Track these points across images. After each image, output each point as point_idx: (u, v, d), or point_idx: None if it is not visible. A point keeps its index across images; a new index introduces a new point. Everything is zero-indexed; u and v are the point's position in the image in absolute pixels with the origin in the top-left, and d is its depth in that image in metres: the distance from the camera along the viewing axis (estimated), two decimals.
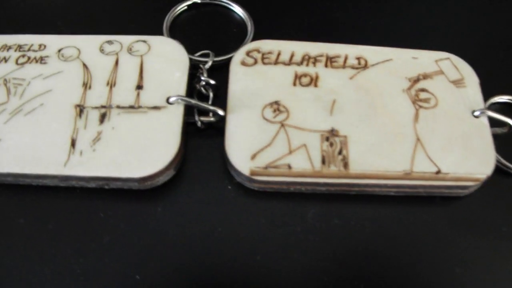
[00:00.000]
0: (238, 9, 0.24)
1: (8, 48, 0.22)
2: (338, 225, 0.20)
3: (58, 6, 0.26)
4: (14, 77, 0.21)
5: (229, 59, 0.22)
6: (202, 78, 0.21)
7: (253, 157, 0.20)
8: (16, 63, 0.22)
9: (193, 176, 0.20)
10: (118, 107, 0.20)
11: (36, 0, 0.26)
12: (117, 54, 0.22)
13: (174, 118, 0.20)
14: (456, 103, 0.22)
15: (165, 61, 0.21)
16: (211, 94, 0.21)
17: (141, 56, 0.22)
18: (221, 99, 0.22)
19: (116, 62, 0.21)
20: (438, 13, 0.26)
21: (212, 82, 0.21)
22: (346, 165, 0.20)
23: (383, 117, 0.21)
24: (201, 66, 0.22)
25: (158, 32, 0.24)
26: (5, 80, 0.21)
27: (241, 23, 0.24)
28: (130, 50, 0.22)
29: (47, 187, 0.20)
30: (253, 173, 0.19)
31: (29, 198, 0.20)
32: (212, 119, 0.21)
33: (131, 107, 0.20)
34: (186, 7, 0.24)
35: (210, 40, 0.24)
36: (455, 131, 0.21)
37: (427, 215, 0.20)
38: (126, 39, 0.22)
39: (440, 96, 0.22)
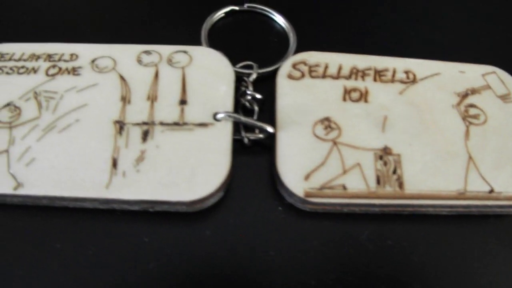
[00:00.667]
0: (279, 18, 0.23)
1: (37, 57, 0.21)
2: (391, 247, 0.19)
3: (86, 12, 0.24)
4: (45, 89, 0.20)
5: (273, 72, 0.21)
6: (248, 92, 0.20)
7: (307, 177, 0.19)
8: (47, 74, 0.20)
9: (242, 197, 0.19)
10: (161, 123, 0.19)
11: (63, 5, 0.24)
12: (156, 65, 0.20)
13: (222, 136, 0.19)
14: (505, 119, 0.21)
15: (209, 73, 0.20)
16: (256, 109, 0.20)
17: (183, 68, 0.20)
18: (265, 113, 0.21)
19: (156, 75, 0.20)
20: (480, 25, 0.26)
21: (258, 96, 0.20)
22: (401, 185, 0.19)
23: (434, 135, 0.20)
24: (245, 78, 0.21)
25: (194, 40, 0.22)
26: (35, 93, 0.20)
27: (281, 33, 0.23)
28: (170, 62, 0.20)
29: (85, 210, 0.19)
30: (307, 194, 0.18)
31: (66, 221, 0.19)
32: (260, 136, 0.20)
33: (176, 124, 0.19)
34: (223, 14, 0.23)
35: (249, 50, 0.23)
36: (505, 148, 0.20)
37: (478, 234, 0.20)
38: (165, 49, 0.21)
39: (489, 112, 0.21)
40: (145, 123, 0.19)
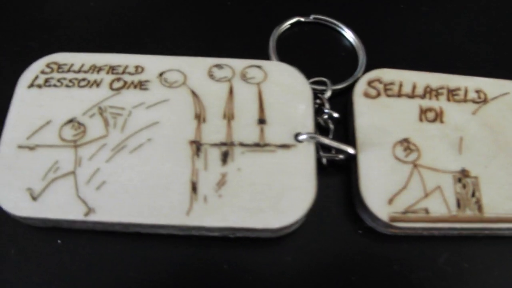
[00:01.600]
0: (347, 32, 0.22)
1: (99, 69, 0.19)
2: (467, 269, 0.19)
3: (144, 20, 0.22)
4: (111, 105, 0.18)
5: (345, 89, 0.21)
6: (326, 110, 0.19)
7: (390, 201, 0.18)
8: (111, 88, 0.19)
9: (320, 220, 0.19)
10: (241, 144, 0.18)
11: (119, 15, 0.23)
12: (229, 81, 0.19)
13: (306, 158, 0.18)
14: None
15: (285, 91, 0.19)
16: (331, 127, 0.20)
17: (258, 84, 0.19)
18: (339, 133, 0.20)
19: (230, 91, 0.19)
20: None
21: (336, 115, 0.19)
22: (480, 208, 0.19)
23: (508, 156, 0.20)
24: (320, 96, 0.20)
25: (257, 51, 0.21)
26: (100, 108, 0.18)
27: (347, 46, 0.23)
28: (244, 77, 0.19)
29: (158, 236, 0.18)
30: (392, 219, 0.18)
31: (138, 248, 0.18)
32: (340, 156, 0.19)
33: (256, 145, 0.18)
34: (288, 26, 0.22)
35: (314, 64, 0.22)
36: None
37: None
38: (238, 64, 0.19)
39: None
40: (223, 144, 0.18)
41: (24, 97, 0.19)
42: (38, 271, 0.18)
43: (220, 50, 0.21)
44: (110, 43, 0.22)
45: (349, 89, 0.21)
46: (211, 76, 0.19)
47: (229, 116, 0.19)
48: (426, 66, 0.22)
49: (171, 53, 0.20)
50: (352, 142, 0.19)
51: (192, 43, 0.22)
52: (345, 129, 0.20)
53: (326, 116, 0.20)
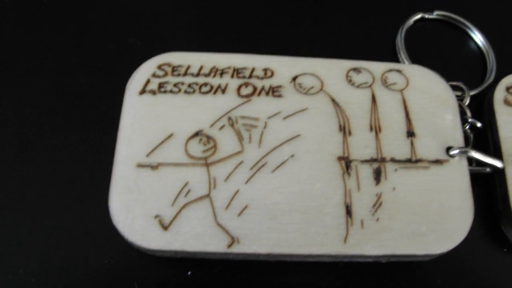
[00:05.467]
0: (475, 32, 0.20)
1: (221, 72, 0.16)
2: None
3: (254, 17, 0.19)
4: (243, 115, 0.16)
5: (477, 95, 0.19)
6: (470, 120, 0.18)
7: None
8: (239, 94, 0.16)
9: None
10: (393, 160, 0.16)
11: (225, 9, 0.19)
12: (370, 87, 0.17)
13: (461, 175, 0.16)
14: None
15: (430, 98, 0.17)
16: (471, 138, 0.18)
17: (401, 91, 0.17)
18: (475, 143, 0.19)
19: (373, 99, 0.17)
20: None
21: (479, 124, 0.18)
22: None
23: None
24: (460, 103, 0.18)
25: (381, 49, 0.19)
26: (230, 119, 0.16)
27: (472, 47, 0.21)
28: (385, 83, 0.17)
29: (302, 263, 0.16)
30: None
31: (287, 276, 0.16)
32: (488, 170, 0.17)
33: (408, 160, 0.16)
34: (412, 23, 0.20)
35: (438, 64, 0.20)
36: None
37: None
38: (377, 67, 0.17)
39: None
40: (374, 160, 0.16)
41: (137, 105, 0.16)
42: None
43: (338, 46, 0.19)
44: (216, 41, 0.19)
45: (480, 95, 0.19)
46: (349, 81, 0.17)
47: (376, 128, 0.17)
48: None
49: (286, 54, 0.18)
50: (496, 154, 0.18)
51: (308, 43, 0.19)
52: (483, 139, 0.19)
53: (467, 126, 0.18)
